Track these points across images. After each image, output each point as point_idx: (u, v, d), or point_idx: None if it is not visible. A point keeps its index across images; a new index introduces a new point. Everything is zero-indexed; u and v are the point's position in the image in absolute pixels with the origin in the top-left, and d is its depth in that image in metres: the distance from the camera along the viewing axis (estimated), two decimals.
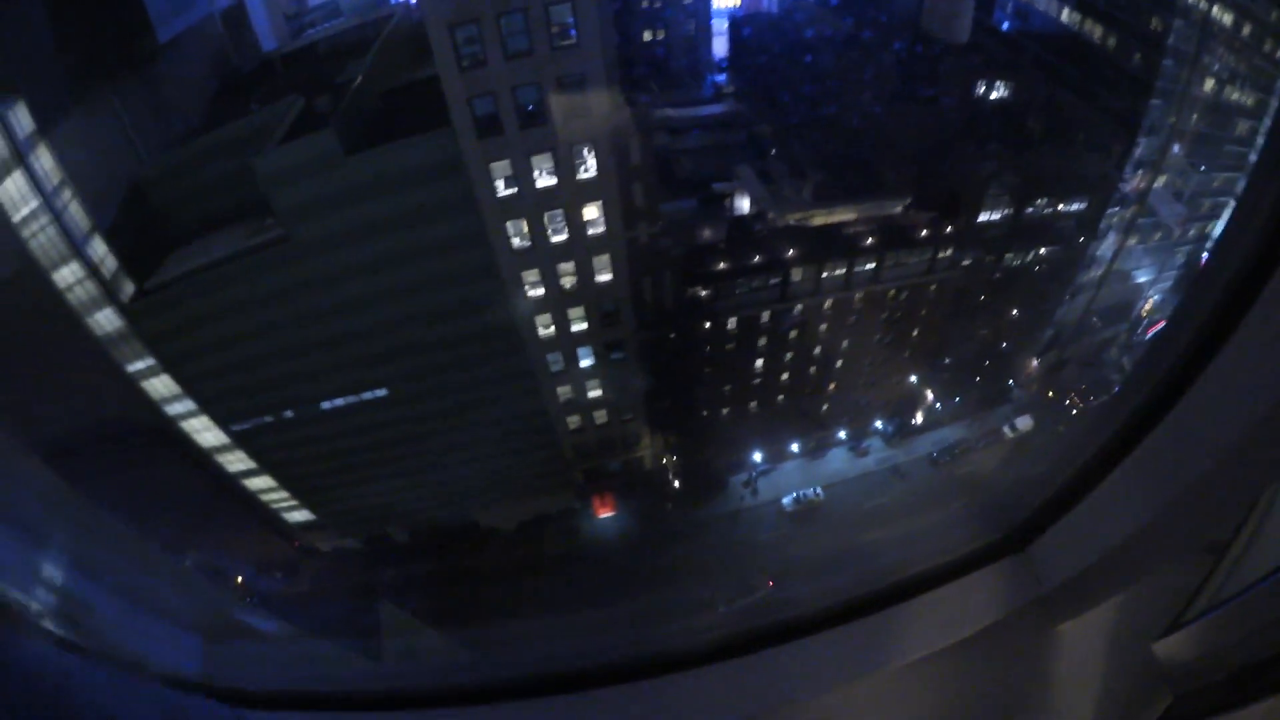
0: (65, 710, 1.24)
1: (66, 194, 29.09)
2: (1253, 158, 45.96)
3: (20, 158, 26.87)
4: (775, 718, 2.25)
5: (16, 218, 27.25)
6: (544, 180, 28.05)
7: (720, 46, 42.63)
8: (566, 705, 2.34)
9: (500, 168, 27.50)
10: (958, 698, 2.47)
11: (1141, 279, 49.44)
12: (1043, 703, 2.52)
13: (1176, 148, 46.85)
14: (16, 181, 26.93)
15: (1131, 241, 46.38)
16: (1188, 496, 1.84)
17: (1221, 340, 1.74)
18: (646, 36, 37.33)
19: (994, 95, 39.68)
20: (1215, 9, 39.71)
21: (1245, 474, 1.77)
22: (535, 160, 27.58)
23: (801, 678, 2.33)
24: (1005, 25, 45.34)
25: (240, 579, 36.88)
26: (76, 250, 29.48)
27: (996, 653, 2.40)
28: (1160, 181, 46.35)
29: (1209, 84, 45.74)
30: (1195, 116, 46.48)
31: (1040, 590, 2.35)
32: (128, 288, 30.79)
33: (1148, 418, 1.97)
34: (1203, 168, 48.03)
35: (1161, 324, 44.03)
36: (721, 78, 41.01)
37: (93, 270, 30.18)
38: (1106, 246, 44.36)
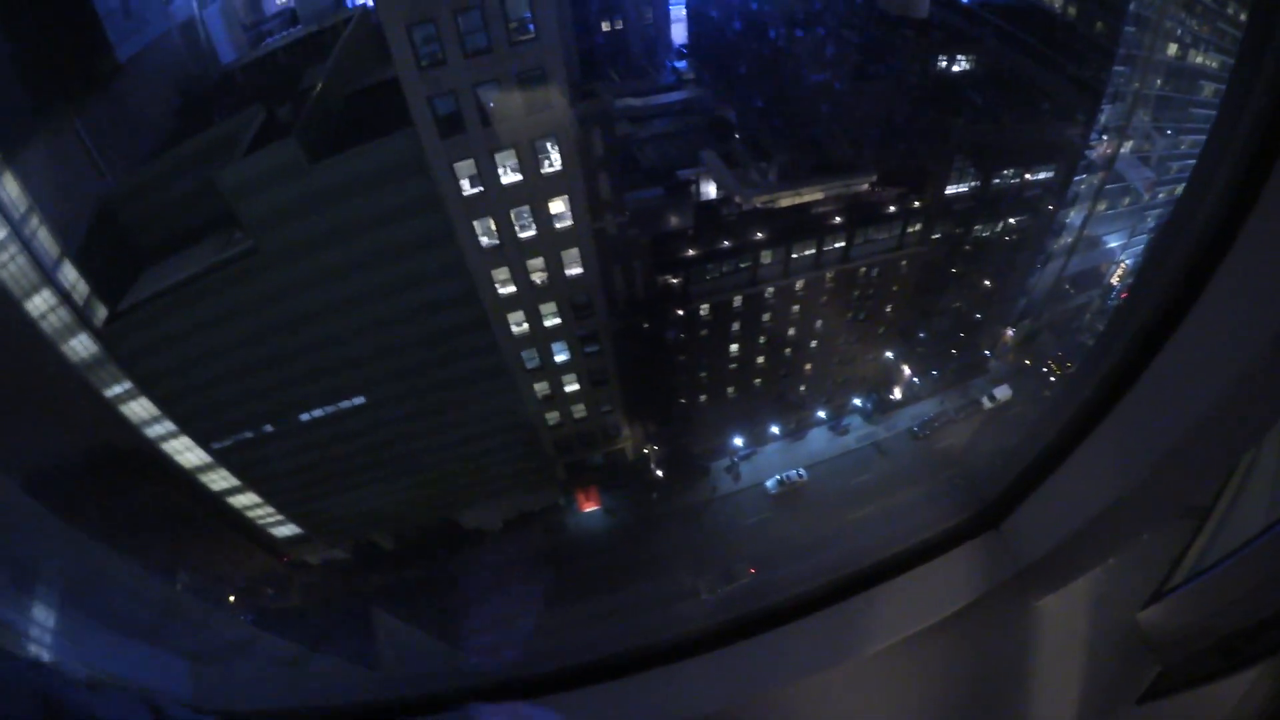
0: None
1: (34, 221, 28.83)
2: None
3: None
4: (759, 706, 2.24)
5: None
6: (509, 177, 28.01)
7: (679, 33, 42.67)
8: (559, 704, 2.32)
9: (464, 167, 27.42)
10: (940, 678, 2.44)
11: (1112, 244, 49.98)
12: (1028, 679, 2.49)
13: (1142, 113, 47.37)
14: None
15: (1101, 207, 46.86)
16: (1162, 465, 1.81)
17: (1187, 306, 1.70)
18: (605, 27, 37.31)
19: (956, 68, 39.83)
20: None
21: (1220, 440, 1.74)
22: (499, 157, 27.52)
23: (783, 665, 2.32)
24: None
25: (230, 598, 36.71)
26: (47, 277, 29.25)
27: (977, 631, 2.38)
28: (1127, 147, 46.83)
29: (1172, 48, 46.20)
30: (1159, 81, 46.96)
31: (1018, 566, 2.33)
32: (100, 312, 30.52)
33: (1116, 387, 1.94)
34: (1169, 131, 48.52)
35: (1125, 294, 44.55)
36: (682, 64, 41.02)
37: (64, 297, 29.95)
38: (1076, 213, 44.76)
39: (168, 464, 34.98)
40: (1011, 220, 40.83)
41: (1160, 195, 49.85)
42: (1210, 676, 2.11)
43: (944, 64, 39.57)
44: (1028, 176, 40.15)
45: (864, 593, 2.42)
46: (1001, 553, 2.39)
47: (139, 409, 33.21)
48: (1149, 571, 2.45)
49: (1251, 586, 2.02)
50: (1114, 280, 50.11)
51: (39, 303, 29.51)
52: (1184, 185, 1.96)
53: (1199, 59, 45.87)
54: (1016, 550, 2.36)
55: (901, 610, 2.38)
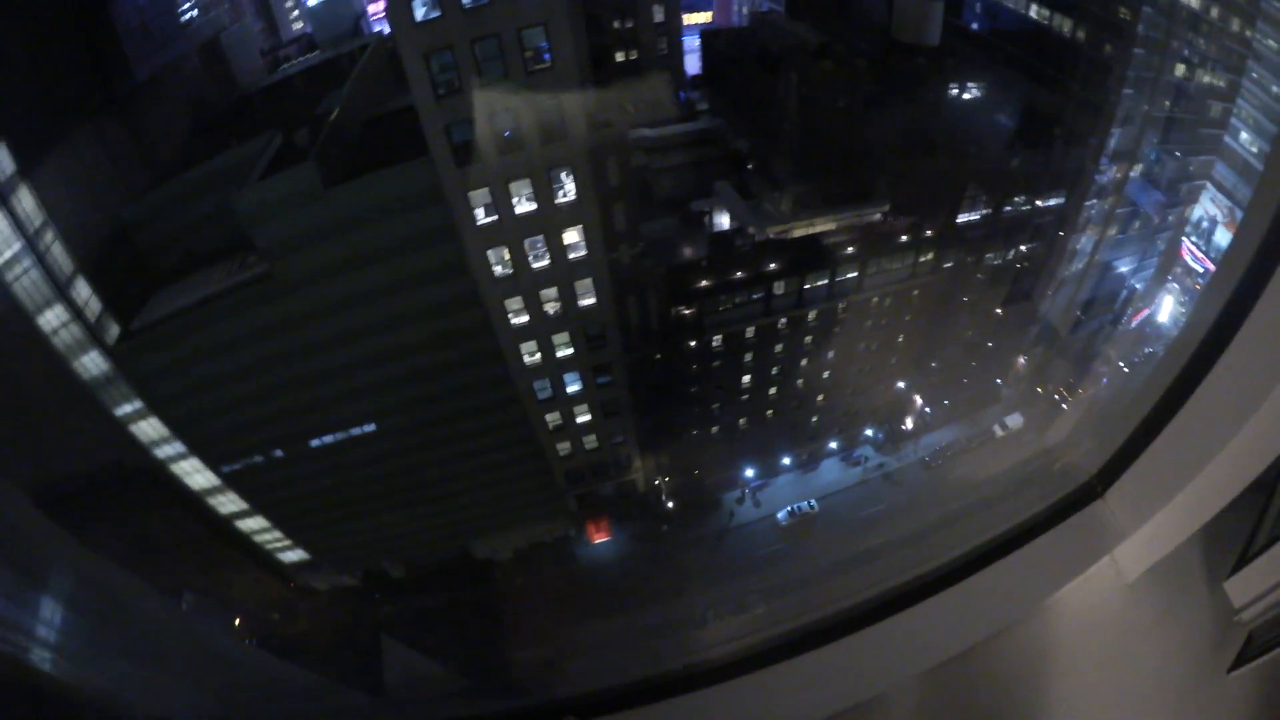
0: None
1: (49, 236, 28.97)
2: (1227, 139, 46.53)
3: (2, 200, 26.75)
4: (858, 712, 2.25)
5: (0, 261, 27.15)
6: (523, 206, 28.05)
7: (693, 64, 42.91)
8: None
9: (479, 195, 27.49)
10: (1042, 660, 2.51)
11: (1123, 269, 49.84)
12: (1127, 654, 2.59)
13: (1151, 135, 47.40)
14: None
15: (1111, 232, 46.78)
16: (1249, 430, 1.99)
17: (1254, 300, 1.92)
18: (619, 58, 37.58)
19: (967, 96, 39.97)
20: None
21: None
22: (514, 186, 27.58)
23: (900, 656, 2.36)
24: (975, 25, 45.73)
25: (237, 621, 36.59)
26: (61, 292, 29.35)
27: (1081, 609, 2.47)
28: (1136, 170, 46.82)
29: (1180, 69, 46.31)
30: (1168, 103, 47.03)
31: (1122, 535, 2.43)
32: (113, 330, 30.58)
33: (1200, 367, 2.13)
34: (1178, 154, 48.50)
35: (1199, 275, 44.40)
36: (696, 94, 41.21)
37: (77, 313, 30.03)
38: (1087, 239, 44.69)
39: (176, 485, 34.97)
40: (1023, 247, 40.79)
41: (1170, 218, 49.82)
42: None
43: (955, 91, 39.71)
44: (1039, 203, 40.16)
45: (970, 577, 2.48)
46: (1109, 520, 2.49)
47: (149, 428, 33.21)
48: (1230, 544, 2.54)
49: None
50: (1126, 304, 49.93)
51: (51, 318, 29.60)
52: (1256, 186, 2.23)
53: (1206, 78, 45.94)
54: (1123, 517, 2.46)
55: (1007, 594, 2.46)
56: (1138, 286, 50.45)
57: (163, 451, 33.79)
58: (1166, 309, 49.24)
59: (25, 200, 27.86)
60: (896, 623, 2.39)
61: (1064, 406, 44.20)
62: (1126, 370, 45.12)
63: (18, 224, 27.52)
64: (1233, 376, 2.05)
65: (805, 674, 2.31)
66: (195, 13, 40.75)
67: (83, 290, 30.04)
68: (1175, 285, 49.15)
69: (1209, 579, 2.55)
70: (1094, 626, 2.52)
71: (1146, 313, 49.39)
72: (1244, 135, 45.30)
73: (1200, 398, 2.16)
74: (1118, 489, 2.48)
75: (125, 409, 32.41)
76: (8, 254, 27.45)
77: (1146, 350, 47.03)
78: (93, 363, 31.28)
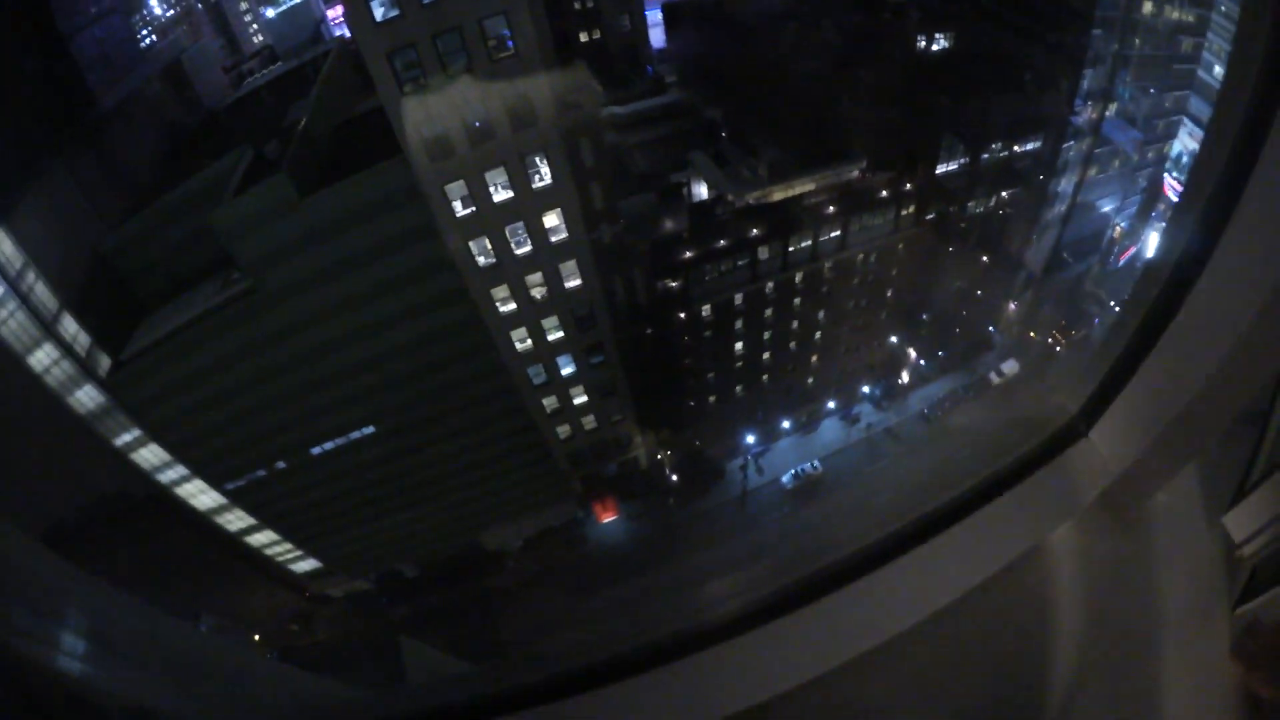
0: None
1: (30, 276, 28.86)
2: (1200, 73, 46.51)
3: None
4: (858, 661, 2.23)
5: None
6: (500, 194, 28.00)
7: (658, 37, 42.68)
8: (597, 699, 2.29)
9: (456, 188, 27.41)
10: (1048, 599, 2.48)
11: (1106, 208, 49.90)
12: (1129, 593, 2.56)
13: (1124, 74, 47.36)
14: None
15: (1092, 172, 46.80)
16: (1228, 361, 1.97)
17: (1230, 210, 1.88)
18: (583, 37, 37.39)
19: (936, 47, 39.79)
20: None
21: (1271, 338, 1.90)
22: (490, 175, 27.51)
23: (892, 606, 2.31)
24: None
25: (255, 637, 36.69)
26: (48, 331, 29.27)
27: (1081, 544, 2.45)
28: (1112, 109, 46.79)
29: (1148, 6, 46.21)
30: (1138, 41, 46.96)
31: (1112, 473, 2.41)
32: (104, 361, 30.54)
33: (1178, 290, 2.10)
34: (1152, 90, 48.47)
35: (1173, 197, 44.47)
36: (664, 67, 41.02)
37: (67, 349, 29.96)
38: (1067, 181, 44.71)
39: (183, 508, 35.00)
40: (1004, 194, 40.79)
41: (1150, 154, 49.82)
42: None
43: (924, 44, 39.54)
44: (1016, 149, 40.12)
45: (964, 520, 2.43)
46: (1097, 459, 2.45)
47: (150, 455, 33.22)
48: (1226, 477, 2.52)
49: None
50: (1112, 243, 50.02)
51: (42, 357, 29.53)
52: (1211, 116, 2.19)
53: (1175, 14, 45.84)
54: (1109, 455, 2.43)
55: (1004, 533, 2.41)
56: (1123, 225, 50.54)
57: (166, 476, 33.82)
58: (1153, 245, 49.27)
59: (3, 244, 27.74)
60: (891, 570, 2.37)
61: (1056, 349, 44.33)
62: (1116, 309, 45.17)
63: None
64: (1206, 307, 2.02)
65: (803, 628, 2.31)
66: (154, 37, 40.54)
67: (70, 326, 29.95)
68: (1160, 222, 49.20)
69: (1207, 514, 2.54)
70: (1091, 566, 2.51)
71: (1133, 250, 49.48)
72: (1217, 69, 45.24)
73: (1174, 332, 2.13)
74: (1101, 427, 2.46)
75: (125, 438, 32.41)
76: None
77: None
78: (88, 397, 31.24)
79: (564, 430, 36.96)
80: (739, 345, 37.74)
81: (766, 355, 39.46)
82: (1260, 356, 1.98)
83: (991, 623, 2.44)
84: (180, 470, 33.55)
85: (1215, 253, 1.96)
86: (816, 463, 40.91)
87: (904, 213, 36.57)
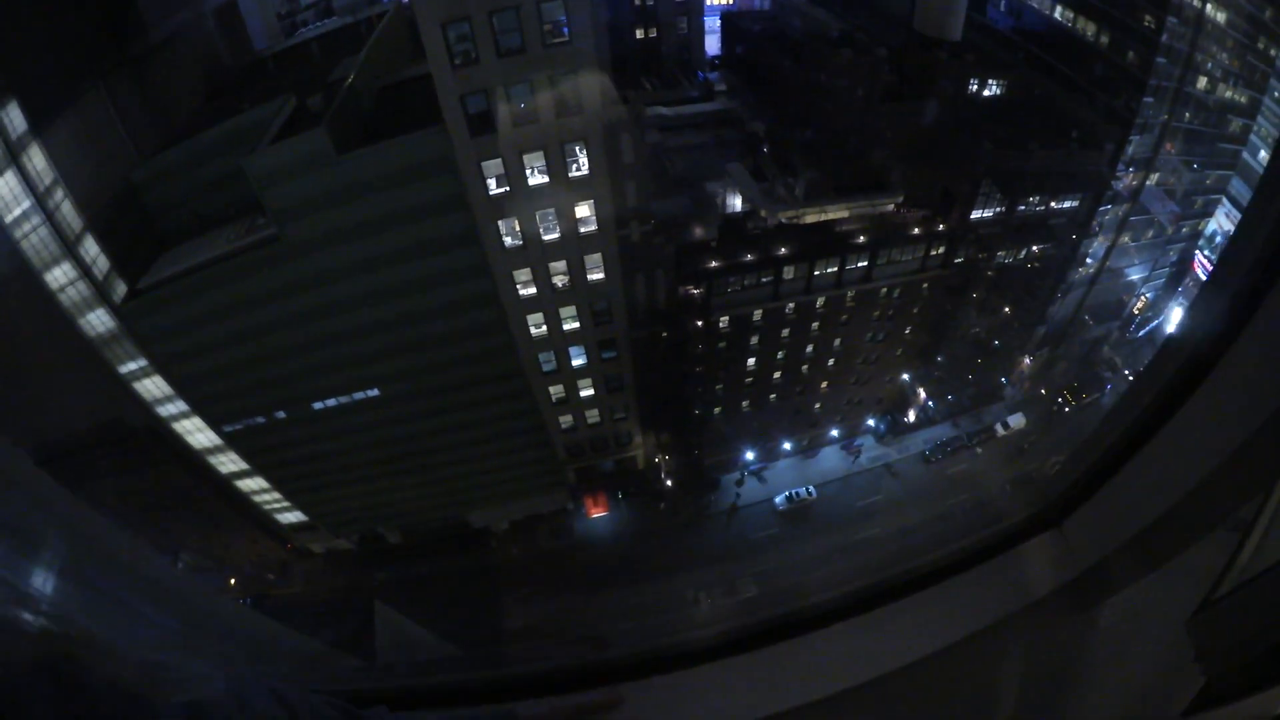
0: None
1: (59, 194, 28.96)
2: (1245, 156, 46.27)
3: (13, 157, 26.72)
4: (803, 713, 2.19)
5: (9, 218, 27.13)
6: (536, 178, 27.98)
7: (713, 44, 42.70)
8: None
9: (492, 166, 27.40)
10: (994, 680, 2.46)
11: (1134, 276, 49.61)
12: (1078, 685, 2.53)
13: (1169, 145, 47.06)
14: (9, 182, 26.79)
15: (1124, 239, 46.54)
16: (1213, 475, 1.88)
17: (1239, 327, 1.80)
18: (639, 34, 37.38)
19: (987, 93, 39.72)
20: (1209, 7, 39.79)
21: (1265, 455, 1.80)
22: (527, 158, 27.50)
23: (830, 668, 2.27)
24: (999, 23, 45.43)
25: (232, 580, 36.79)
26: (69, 250, 29.36)
27: (1035, 632, 2.40)
28: (1153, 179, 46.53)
29: (1202, 81, 45.92)
30: (1188, 114, 46.67)
31: (1079, 566, 2.35)
32: (120, 288, 30.62)
33: (1172, 400, 2.02)
34: (1195, 165, 48.19)
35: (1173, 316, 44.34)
36: (714, 75, 41.02)
37: (85, 271, 30.05)
38: (1099, 244, 44.48)
39: (177, 443, 35.10)
40: (1035, 248, 40.62)
41: (1184, 229, 49.56)
42: (1255, 687, 2.07)
43: (974, 87, 39.47)
44: (1053, 205, 39.97)
45: (923, 591, 2.40)
46: (1064, 551, 2.41)
47: (152, 387, 33.31)
48: (1196, 582, 2.44)
49: None
50: (1134, 312, 49.72)
51: (59, 275, 29.62)
52: (1241, 216, 2.11)
53: (1228, 93, 45.61)
54: (1078, 549, 2.38)
55: (965, 607, 2.37)
56: (1148, 295, 50.26)
57: (165, 410, 33.91)
58: (1175, 320, 49.02)
59: (36, 158, 27.85)
60: (852, 626, 2.34)
61: (1065, 410, 44.11)
62: (1131, 379, 44.93)
63: (28, 181, 27.52)
64: (1213, 404, 1.92)
65: (758, 670, 2.27)
66: None
67: (91, 248, 30.05)
68: (1184, 299, 48.98)
69: (1170, 617, 2.44)
70: (1040, 655, 2.47)
71: (1155, 323, 49.23)
72: (1263, 154, 45.00)
73: (1175, 426, 2.04)
74: (1075, 519, 2.40)
75: (130, 366, 32.50)
76: (17, 211, 27.45)
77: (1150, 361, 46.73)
78: (99, 320, 31.33)
79: (566, 420, 36.93)
80: (751, 361, 37.67)
81: (777, 375, 39.37)
82: (1262, 463, 1.86)
83: (933, 697, 2.40)
84: (180, 405, 33.63)
85: (1234, 345, 1.85)
86: (811, 488, 40.78)
87: (933, 252, 36.44)
